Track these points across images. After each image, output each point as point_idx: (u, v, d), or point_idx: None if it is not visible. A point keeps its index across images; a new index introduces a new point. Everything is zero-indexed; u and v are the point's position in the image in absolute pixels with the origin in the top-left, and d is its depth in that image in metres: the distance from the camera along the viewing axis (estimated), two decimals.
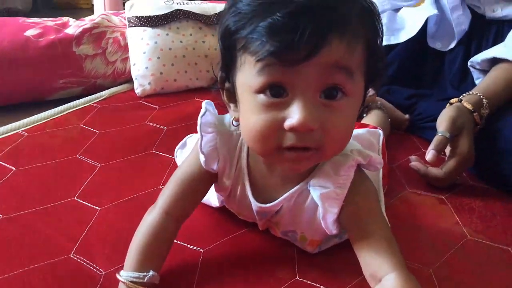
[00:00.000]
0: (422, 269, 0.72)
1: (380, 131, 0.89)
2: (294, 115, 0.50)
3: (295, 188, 0.64)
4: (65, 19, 1.45)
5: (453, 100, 0.98)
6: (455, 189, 0.94)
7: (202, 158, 0.64)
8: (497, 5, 1.15)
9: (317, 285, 0.68)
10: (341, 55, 0.49)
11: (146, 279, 0.61)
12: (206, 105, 0.64)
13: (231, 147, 0.65)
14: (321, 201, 0.61)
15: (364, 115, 1.13)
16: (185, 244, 0.74)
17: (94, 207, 0.83)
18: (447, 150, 0.95)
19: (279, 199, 0.65)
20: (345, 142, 0.57)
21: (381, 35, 0.56)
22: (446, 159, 0.95)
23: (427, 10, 1.28)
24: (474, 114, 0.94)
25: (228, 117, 0.66)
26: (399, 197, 0.91)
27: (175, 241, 0.70)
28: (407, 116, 1.18)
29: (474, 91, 0.99)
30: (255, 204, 0.67)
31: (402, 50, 1.27)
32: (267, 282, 0.68)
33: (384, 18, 1.35)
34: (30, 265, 0.68)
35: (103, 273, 0.67)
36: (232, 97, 0.59)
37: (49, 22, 1.41)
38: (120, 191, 0.88)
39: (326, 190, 0.60)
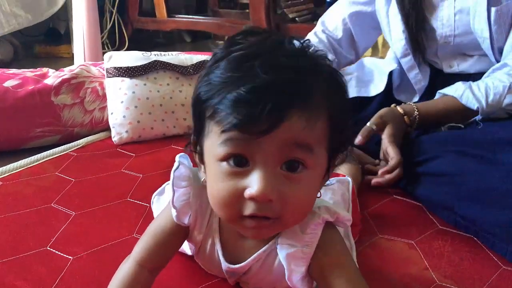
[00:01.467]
0: None
1: (349, 179, 0.92)
2: (253, 185, 0.52)
3: (263, 248, 0.64)
4: (44, 69, 1.47)
5: (392, 105, 1.16)
6: (425, 233, 0.96)
7: (174, 213, 0.65)
8: (454, 61, 1.22)
9: None
10: (300, 132, 0.52)
11: None
12: (180, 158, 0.65)
13: (204, 202, 0.65)
14: (286, 262, 0.61)
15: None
16: None
17: (67, 256, 0.83)
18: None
19: (248, 260, 0.65)
20: (306, 212, 0.59)
21: (348, 108, 0.59)
22: (383, 157, 1.12)
23: (389, 64, 1.35)
24: (404, 116, 1.12)
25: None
26: (369, 244, 0.92)
27: None
28: (377, 161, 1.21)
29: (413, 103, 1.16)
30: (224, 264, 0.67)
31: (373, 104, 1.31)
32: None
33: (354, 70, 1.41)
34: None
35: None
36: (203, 160, 0.61)
37: (29, 73, 1.43)
38: (94, 239, 0.88)
39: (292, 249, 0.61)
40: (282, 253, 0.62)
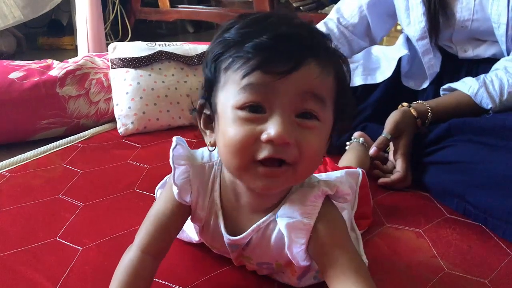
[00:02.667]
0: None
1: (359, 171, 0.92)
2: (271, 129, 0.53)
3: (263, 219, 0.64)
4: (49, 61, 1.47)
5: (404, 104, 1.13)
6: (432, 222, 0.96)
7: (175, 190, 0.65)
8: (469, 45, 1.21)
9: None
10: (315, 80, 0.55)
11: None
12: (177, 139, 0.66)
13: (204, 179, 0.67)
14: (287, 231, 0.61)
15: (347, 145, 1.16)
16: (166, 283, 0.75)
17: (76, 247, 0.83)
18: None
19: (248, 231, 0.65)
20: (317, 163, 0.61)
21: (348, 78, 0.61)
22: (392, 159, 1.12)
23: (399, 50, 1.33)
24: (417, 120, 1.10)
25: (199, 151, 0.69)
26: (378, 233, 0.92)
27: (155, 279, 0.70)
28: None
29: (426, 102, 1.12)
30: (226, 237, 0.68)
31: (379, 91, 1.31)
32: None
33: (360, 57, 1.40)
34: None
35: None
36: (209, 123, 0.62)
37: (33, 64, 1.43)
38: (102, 230, 0.88)
39: (292, 220, 0.61)
40: (282, 223, 0.62)
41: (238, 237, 0.67)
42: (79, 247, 0.83)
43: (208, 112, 0.62)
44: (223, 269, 0.78)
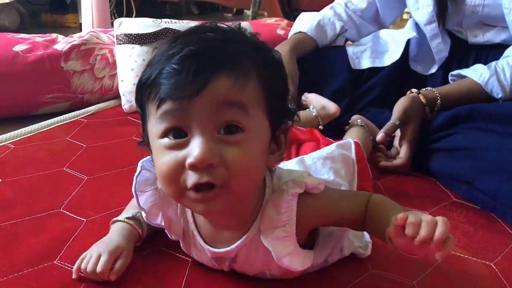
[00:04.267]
0: (406, 282, 0.73)
1: (350, 140, 0.92)
2: (193, 152, 0.52)
3: (245, 236, 0.63)
4: (53, 35, 1.45)
5: (413, 90, 1.12)
6: (439, 205, 0.96)
7: (143, 214, 0.67)
8: (479, 31, 1.19)
9: None
10: (229, 91, 0.52)
11: (132, 213, 0.72)
12: (142, 163, 0.65)
13: (172, 201, 0.65)
14: (271, 245, 0.61)
15: (346, 128, 1.15)
16: (174, 253, 0.75)
17: (80, 218, 0.83)
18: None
19: (232, 247, 0.64)
20: (253, 178, 0.57)
21: (281, 75, 0.60)
22: (397, 145, 1.11)
23: (407, 33, 1.32)
24: (426, 107, 1.09)
25: None
26: None
27: (163, 249, 0.73)
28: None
29: (435, 89, 1.11)
30: (208, 250, 0.66)
31: (386, 74, 1.30)
32: None
33: (368, 40, 1.39)
34: (14, 273, 0.68)
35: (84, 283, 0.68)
36: (150, 147, 0.61)
37: (38, 38, 1.41)
38: (106, 203, 0.88)
39: (274, 232, 0.61)
40: (266, 239, 0.61)
41: (221, 250, 0.65)
42: (83, 219, 0.83)
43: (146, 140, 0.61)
44: None
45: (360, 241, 0.77)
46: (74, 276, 0.67)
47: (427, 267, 0.76)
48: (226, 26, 0.59)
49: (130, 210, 0.75)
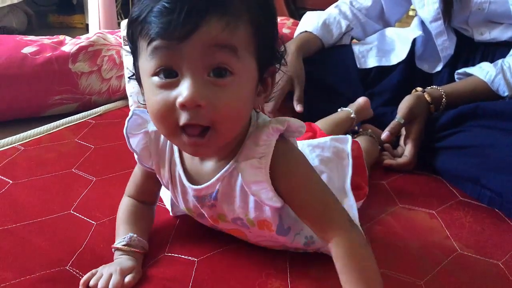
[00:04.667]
0: (413, 282, 0.73)
1: (349, 136, 0.93)
2: (182, 92, 0.54)
3: (225, 168, 0.65)
4: (61, 37, 1.47)
5: (418, 88, 1.12)
6: (446, 204, 0.96)
7: (136, 156, 0.73)
8: (485, 28, 1.19)
9: None
10: (220, 33, 0.53)
11: (126, 240, 0.71)
12: (134, 109, 0.69)
13: (163, 142, 0.70)
14: (244, 171, 0.63)
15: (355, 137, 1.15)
16: (179, 256, 0.76)
17: (90, 221, 0.83)
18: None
19: (212, 180, 0.66)
20: (240, 120, 0.60)
21: (272, 17, 0.61)
22: (402, 144, 1.11)
23: (413, 31, 1.32)
24: (431, 105, 1.09)
25: None
26: (390, 212, 0.92)
27: (168, 254, 0.75)
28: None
29: (440, 88, 1.10)
30: (190, 187, 0.68)
31: (394, 77, 1.30)
32: None
33: (374, 39, 1.39)
34: (26, 276, 0.69)
35: None
36: (141, 82, 0.62)
37: (46, 40, 1.43)
38: (115, 205, 0.88)
39: (249, 161, 0.62)
40: (241, 167, 0.63)
41: (202, 186, 0.67)
42: (93, 221, 0.83)
43: (137, 75, 0.63)
44: (236, 244, 0.78)
45: None
46: None
47: (434, 267, 0.77)
48: None
49: (121, 234, 0.74)
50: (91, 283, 0.67)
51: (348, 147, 0.90)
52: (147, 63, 0.55)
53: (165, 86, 0.55)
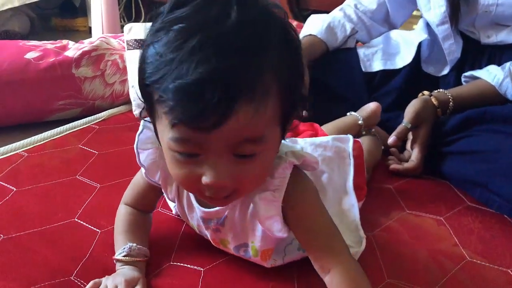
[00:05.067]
0: None
1: (350, 136, 0.92)
2: (208, 173, 0.53)
3: None
4: (64, 42, 1.46)
5: (425, 92, 1.11)
6: (453, 210, 0.95)
7: (143, 171, 0.71)
8: (492, 31, 1.17)
9: None
10: (249, 123, 0.49)
11: (126, 250, 0.70)
12: (144, 123, 0.67)
13: None
14: (258, 204, 0.62)
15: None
16: (185, 265, 0.75)
17: (95, 229, 0.83)
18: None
19: (223, 207, 0.66)
20: (262, 181, 0.60)
21: (300, 75, 0.57)
22: (409, 148, 1.09)
23: (419, 34, 1.31)
24: (438, 109, 1.07)
25: None
26: (397, 219, 0.91)
27: (173, 263, 0.73)
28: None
29: (447, 91, 1.09)
30: (199, 209, 0.69)
31: (399, 80, 1.28)
32: None
33: (379, 42, 1.38)
34: (31, 286, 0.68)
35: None
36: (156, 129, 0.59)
37: (49, 45, 1.42)
38: None
39: (263, 193, 0.62)
40: (254, 198, 0.63)
41: (212, 209, 0.67)
42: (97, 230, 0.83)
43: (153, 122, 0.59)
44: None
45: (352, 236, 0.78)
46: None
47: (444, 275, 0.76)
48: (251, 1, 0.51)
49: (121, 244, 0.73)
50: None
51: (350, 147, 0.90)
52: (168, 140, 0.52)
53: (189, 163, 0.54)
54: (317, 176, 0.84)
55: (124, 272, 0.69)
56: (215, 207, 0.67)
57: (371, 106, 1.14)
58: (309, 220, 0.64)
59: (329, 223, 0.66)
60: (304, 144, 0.85)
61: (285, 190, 0.62)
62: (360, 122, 1.11)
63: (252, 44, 0.49)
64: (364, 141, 1.12)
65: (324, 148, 0.87)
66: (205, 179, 0.53)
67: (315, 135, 0.96)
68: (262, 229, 0.66)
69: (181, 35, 0.48)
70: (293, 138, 0.88)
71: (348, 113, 1.15)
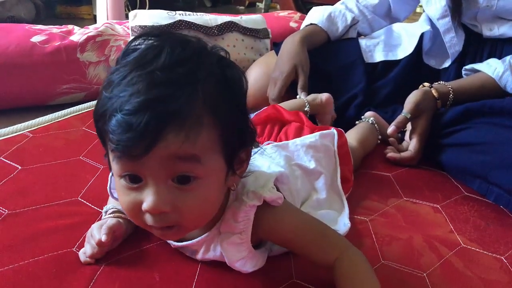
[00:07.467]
0: (416, 273, 0.74)
1: (334, 131, 0.94)
2: (147, 199, 0.54)
3: (205, 234, 0.67)
4: (70, 26, 1.47)
5: (426, 84, 1.12)
6: (450, 199, 0.97)
7: (113, 200, 0.74)
8: (494, 24, 1.18)
9: (314, 287, 0.69)
10: (180, 147, 0.51)
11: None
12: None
13: None
14: (226, 250, 0.65)
15: (356, 124, 1.17)
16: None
17: (97, 208, 0.84)
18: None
19: (192, 241, 0.68)
20: (207, 216, 0.60)
21: (240, 106, 0.58)
22: (408, 139, 1.11)
23: (421, 26, 1.32)
24: (438, 101, 1.09)
25: None
26: (395, 205, 0.93)
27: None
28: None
29: (448, 83, 1.11)
30: (170, 243, 0.72)
31: (399, 70, 1.30)
32: (264, 283, 0.69)
33: (381, 33, 1.39)
34: (34, 257, 0.70)
35: (103, 264, 0.70)
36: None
37: (55, 29, 1.43)
38: None
39: (230, 237, 0.64)
40: (222, 244, 0.66)
41: (183, 243, 0.69)
42: (100, 209, 0.83)
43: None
44: None
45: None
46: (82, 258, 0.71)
47: (437, 260, 0.77)
48: (184, 46, 0.54)
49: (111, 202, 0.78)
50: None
51: (335, 145, 0.92)
52: (114, 165, 0.55)
53: (132, 189, 0.55)
54: (316, 177, 0.86)
55: (108, 220, 0.73)
56: (186, 241, 0.69)
57: (323, 97, 1.15)
58: (295, 238, 0.66)
59: (314, 226, 0.67)
60: (295, 147, 0.87)
61: (259, 225, 0.64)
62: (306, 108, 1.12)
63: (181, 79, 0.52)
64: (361, 128, 1.13)
65: (315, 148, 0.88)
66: (144, 205, 0.54)
67: (302, 126, 0.97)
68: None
69: (121, 74, 0.53)
70: (285, 142, 0.88)
71: (298, 96, 1.17)
